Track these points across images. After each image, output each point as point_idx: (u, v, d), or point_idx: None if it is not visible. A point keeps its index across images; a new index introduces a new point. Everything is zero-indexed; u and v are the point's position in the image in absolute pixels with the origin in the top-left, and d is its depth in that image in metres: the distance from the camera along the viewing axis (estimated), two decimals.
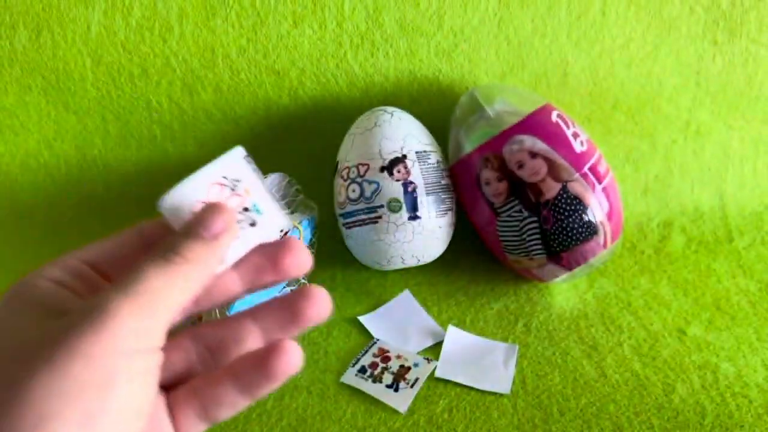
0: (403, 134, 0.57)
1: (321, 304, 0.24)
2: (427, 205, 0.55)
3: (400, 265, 0.58)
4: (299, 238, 0.52)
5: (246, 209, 0.24)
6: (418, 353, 0.51)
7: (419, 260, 0.58)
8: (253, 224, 0.24)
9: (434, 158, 0.57)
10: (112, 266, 0.24)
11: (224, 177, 0.24)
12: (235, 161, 0.24)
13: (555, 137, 0.54)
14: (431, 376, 0.48)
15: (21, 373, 0.18)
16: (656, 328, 0.53)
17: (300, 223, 0.57)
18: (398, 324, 0.54)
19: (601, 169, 0.54)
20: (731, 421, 0.43)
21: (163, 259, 0.21)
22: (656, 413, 0.44)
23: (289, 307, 0.24)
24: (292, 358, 0.23)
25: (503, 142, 0.54)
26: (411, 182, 0.55)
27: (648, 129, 0.69)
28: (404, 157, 0.56)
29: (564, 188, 0.52)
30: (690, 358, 0.49)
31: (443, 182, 0.57)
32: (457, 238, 0.61)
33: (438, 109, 0.67)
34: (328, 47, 0.66)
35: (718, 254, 0.64)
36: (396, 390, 0.46)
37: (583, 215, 0.53)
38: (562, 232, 0.53)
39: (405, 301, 0.57)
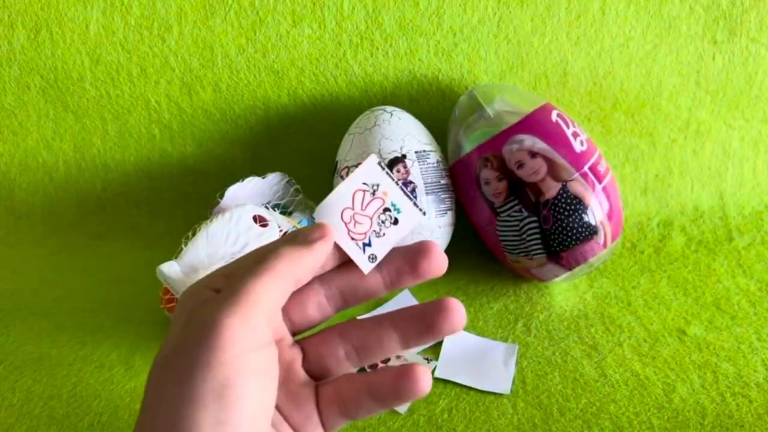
0: (402, 134, 0.57)
1: (455, 318, 0.26)
2: (427, 204, 0.55)
3: None
4: None
5: (387, 209, 0.27)
6: (418, 353, 0.51)
7: None
8: (395, 222, 0.27)
9: (434, 158, 0.57)
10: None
11: (364, 183, 0.27)
12: (372, 168, 0.27)
13: (555, 137, 0.54)
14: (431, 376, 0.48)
15: (160, 381, 0.21)
16: (656, 327, 0.53)
17: (299, 222, 0.57)
18: None
19: (601, 168, 0.54)
20: (731, 421, 0.43)
21: (258, 265, 0.24)
22: (656, 413, 0.44)
23: (424, 318, 0.26)
24: (422, 385, 0.25)
25: (503, 141, 0.54)
26: (410, 182, 0.55)
27: (648, 128, 0.69)
28: (404, 156, 0.55)
29: (564, 188, 0.52)
30: (690, 357, 0.49)
31: (443, 182, 0.57)
32: (456, 237, 0.61)
33: (437, 108, 0.67)
34: (328, 47, 0.65)
35: (718, 254, 0.64)
36: None
37: (583, 215, 0.53)
38: (561, 232, 0.53)
39: (404, 301, 0.57)
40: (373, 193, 0.27)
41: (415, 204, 0.28)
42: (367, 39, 0.65)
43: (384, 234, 0.27)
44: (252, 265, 0.24)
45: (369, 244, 0.27)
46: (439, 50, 0.66)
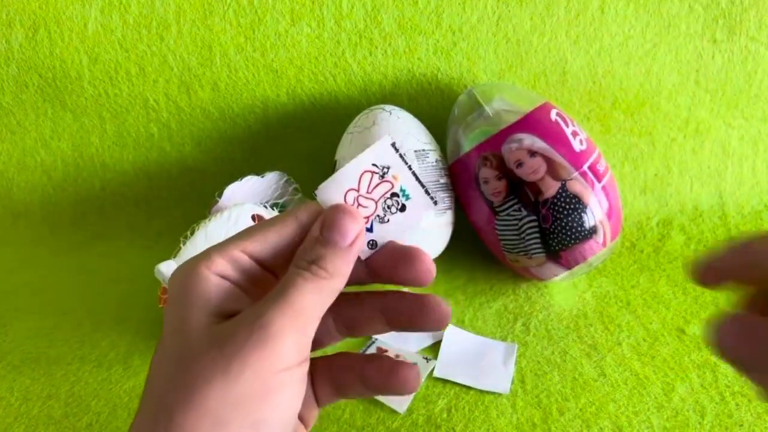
0: (401, 133, 0.57)
1: (435, 316, 0.26)
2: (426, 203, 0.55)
3: None
4: None
5: (395, 195, 0.26)
6: (417, 352, 0.50)
7: None
8: (402, 209, 0.26)
9: (433, 157, 0.57)
10: (276, 260, 0.25)
11: (374, 164, 0.25)
12: (385, 149, 0.25)
13: (554, 136, 0.53)
14: (430, 376, 0.48)
15: (197, 378, 0.20)
16: (655, 327, 0.53)
17: None
18: None
19: (600, 167, 0.54)
20: (731, 420, 0.43)
21: (312, 274, 0.23)
22: (656, 412, 0.44)
23: (407, 311, 0.26)
24: (410, 386, 0.25)
25: (502, 140, 0.54)
26: None
27: (647, 127, 0.69)
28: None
29: (563, 187, 0.52)
30: (689, 357, 0.49)
31: (442, 181, 0.57)
32: (455, 237, 0.61)
33: (436, 107, 0.67)
34: (327, 45, 0.65)
35: None
36: None
37: (582, 214, 0.52)
38: (561, 231, 0.53)
39: None
40: (382, 176, 0.25)
41: (427, 192, 0.26)
42: (366, 38, 0.65)
43: (388, 220, 0.26)
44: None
45: (370, 230, 0.26)
46: (438, 49, 0.66)
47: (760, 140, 0.70)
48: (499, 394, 0.46)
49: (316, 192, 0.25)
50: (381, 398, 0.45)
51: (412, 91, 0.67)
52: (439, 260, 0.61)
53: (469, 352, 0.50)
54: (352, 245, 0.24)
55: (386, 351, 0.50)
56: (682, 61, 0.67)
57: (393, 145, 0.25)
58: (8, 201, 0.72)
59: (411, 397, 0.45)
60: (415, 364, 0.26)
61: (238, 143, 0.70)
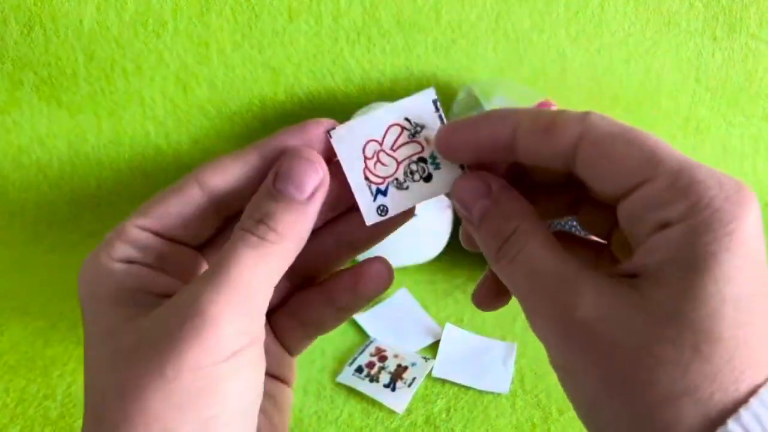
0: None
1: (378, 279, 0.24)
2: (425, 202, 0.55)
3: (397, 264, 0.57)
4: None
5: (422, 160, 0.22)
6: (416, 352, 0.50)
7: (417, 258, 0.57)
8: (427, 178, 0.22)
9: None
10: (184, 230, 0.22)
11: (407, 119, 0.21)
12: (424, 104, 0.21)
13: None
14: (429, 376, 0.47)
15: (134, 385, 0.18)
16: None
17: None
18: (395, 323, 0.54)
19: None
20: None
21: (258, 237, 0.19)
22: None
23: (353, 275, 0.24)
24: (383, 281, 0.24)
25: None
26: None
27: (647, 125, 0.68)
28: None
29: None
30: None
31: None
32: (456, 236, 0.60)
33: None
34: (325, 43, 0.65)
35: None
36: (393, 389, 0.46)
37: None
38: (561, 229, 0.52)
39: (402, 300, 0.56)
40: (413, 135, 0.22)
41: (461, 165, 0.22)
42: (365, 35, 0.65)
43: (407, 187, 0.22)
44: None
45: (384, 193, 0.22)
46: (437, 46, 0.65)
47: (760, 138, 0.69)
48: (499, 394, 0.46)
49: (330, 134, 0.21)
50: (379, 398, 0.45)
51: (411, 88, 0.67)
52: (438, 259, 0.61)
53: (468, 351, 0.50)
54: (311, 199, 0.20)
55: (384, 351, 0.50)
56: (682, 59, 0.66)
57: (435, 102, 0.22)
58: (3, 199, 0.72)
59: (410, 397, 0.45)
60: (379, 257, 0.24)
61: (236, 141, 0.69)
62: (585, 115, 0.20)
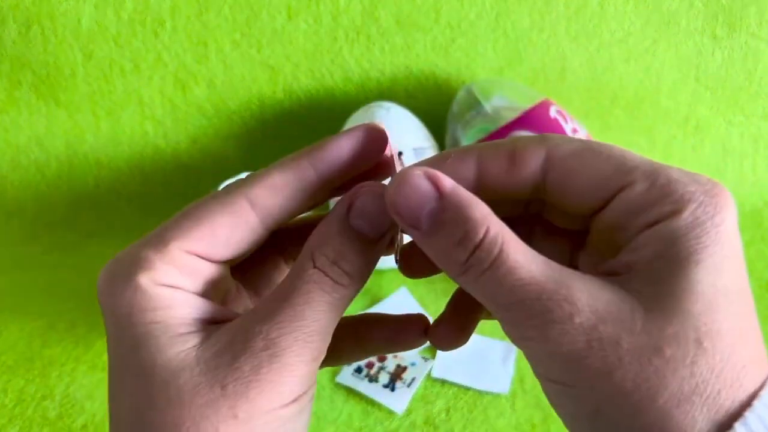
0: (399, 130, 0.56)
1: (417, 339, 0.24)
2: None
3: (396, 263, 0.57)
4: None
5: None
6: (415, 352, 0.50)
7: None
8: None
9: (431, 154, 0.57)
10: (233, 254, 0.20)
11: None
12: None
13: (553, 133, 0.53)
14: (428, 376, 0.47)
15: (202, 426, 0.17)
16: None
17: None
18: None
19: None
20: None
21: (330, 280, 0.19)
22: None
23: (394, 330, 0.24)
24: (420, 341, 0.23)
25: (501, 137, 0.53)
26: None
27: (647, 124, 0.68)
28: (400, 153, 0.55)
29: None
30: None
31: None
32: None
33: (435, 104, 0.66)
34: (323, 42, 0.65)
35: None
36: (393, 390, 0.46)
37: None
38: None
39: (401, 299, 0.56)
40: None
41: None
42: (364, 34, 0.65)
43: None
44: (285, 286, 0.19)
45: None
46: (437, 45, 0.65)
47: (760, 137, 0.69)
48: (498, 394, 0.45)
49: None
50: (379, 398, 0.45)
51: (410, 87, 0.66)
52: None
53: (467, 351, 0.50)
54: (382, 239, 0.20)
55: None
56: (682, 58, 0.66)
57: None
58: (2, 199, 0.72)
59: (409, 397, 0.45)
60: (421, 315, 0.23)
61: (234, 140, 0.69)
62: (543, 138, 0.19)
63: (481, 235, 0.17)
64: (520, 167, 0.19)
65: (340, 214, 0.19)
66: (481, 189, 0.19)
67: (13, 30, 0.65)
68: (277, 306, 0.18)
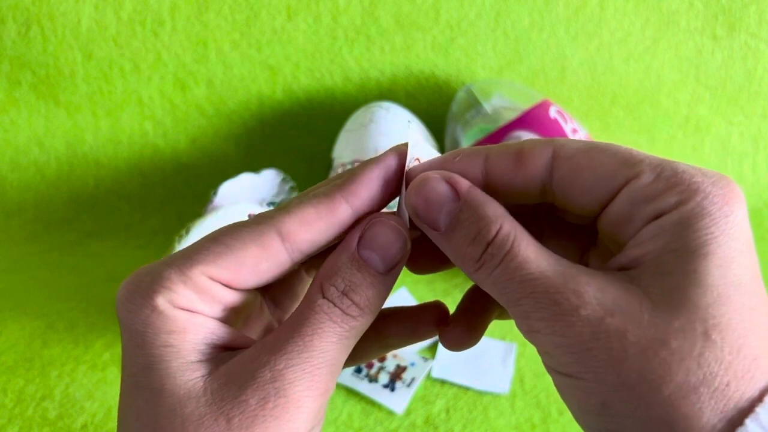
0: (399, 130, 0.56)
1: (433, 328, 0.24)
2: None
3: None
4: None
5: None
6: (416, 352, 0.50)
7: None
8: None
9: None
10: (257, 282, 0.20)
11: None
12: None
13: (553, 133, 0.53)
14: (428, 376, 0.47)
15: None
16: None
17: None
18: None
19: None
20: None
21: (340, 311, 0.19)
22: None
23: (413, 320, 0.24)
24: (437, 329, 0.24)
25: (501, 138, 0.53)
26: None
27: (647, 124, 0.68)
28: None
29: None
30: None
31: None
32: None
33: (434, 104, 0.66)
34: (323, 41, 0.65)
35: None
36: (392, 390, 0.46)
37: None
38: None
39: (402, 299, 0.56)
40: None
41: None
42: (363, 34, 0.65)
43: None
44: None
45: None
46: (436, 45, 0.65)
47: (760, 137, 0.69)
48: (498, 395, 0.45)
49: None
50: (379, 398, 0.45)
51: (410, 87, 0.66)
52: None
53: (467, 351, 0.50)
54: (392, 271, 0.20)
55: None
56: (682, 58, 0.66)
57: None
58: (1, 199, 0.72)
59: (409, 397, 0.45)
60: (439, 301, 0.24)
61: (234, 140, 0.69)
62: (550, 139, 0.20)
63: (494, 233, 0.18)
64: (527, 166, 0.19)
65: (351, 246, 0.19)
66: (488, 188, 0.20)
67: (12, 30, 0.65)
68: (287, 337, 0.18)
